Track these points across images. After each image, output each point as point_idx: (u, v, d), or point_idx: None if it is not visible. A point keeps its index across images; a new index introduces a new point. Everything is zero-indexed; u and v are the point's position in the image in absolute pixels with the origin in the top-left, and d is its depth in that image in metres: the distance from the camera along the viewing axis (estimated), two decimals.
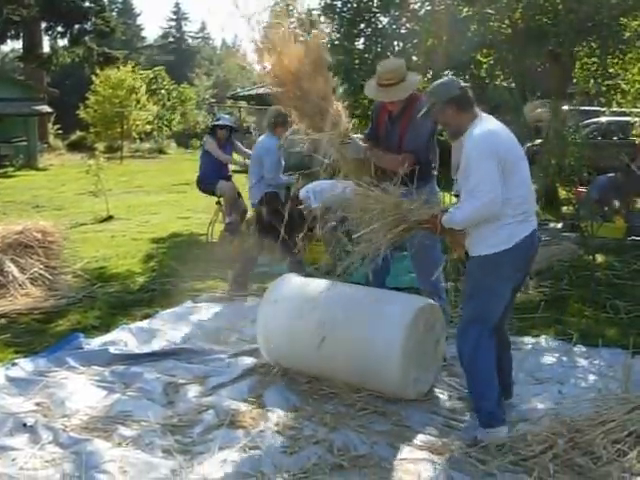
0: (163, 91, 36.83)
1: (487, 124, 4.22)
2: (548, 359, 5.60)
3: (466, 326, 4.28)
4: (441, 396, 4.89)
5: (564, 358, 5.63)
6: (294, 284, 5.24)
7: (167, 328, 6.19)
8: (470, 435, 4.26)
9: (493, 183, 4.01)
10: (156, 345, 5.80)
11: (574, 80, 14.68)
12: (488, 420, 4.22)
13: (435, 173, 5.59)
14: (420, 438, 4.23)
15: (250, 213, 9.66)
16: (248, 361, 5.39)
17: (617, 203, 11.47)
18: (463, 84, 4.39)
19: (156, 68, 36.58)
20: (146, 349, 5.70)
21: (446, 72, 13.62)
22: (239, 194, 9.49)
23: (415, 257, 5.44)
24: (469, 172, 4.08)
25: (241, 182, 9.78)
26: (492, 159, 4.03)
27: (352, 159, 5.20)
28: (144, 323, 6.37)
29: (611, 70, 13.88)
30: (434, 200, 5.17)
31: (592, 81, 14.25)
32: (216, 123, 9.56)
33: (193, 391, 4.90)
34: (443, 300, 5.42)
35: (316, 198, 9.02)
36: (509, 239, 4.14)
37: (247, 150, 10.12)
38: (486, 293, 4.22)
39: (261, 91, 30.05)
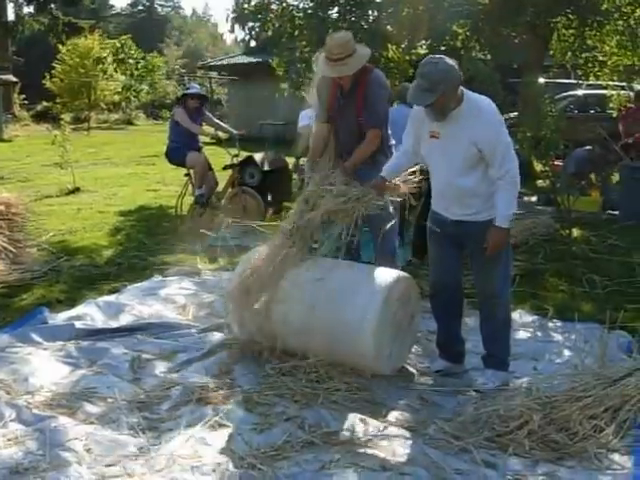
0: (131, 60, 36.35)
1: (474, 94, 4.43)
2: (523, 334, 5.61)
3: (501, 291, 4.63)
4: (415, 372, 4.87)
5: (539, 333, 5.66)
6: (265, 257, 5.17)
7: (135, 303, 6.11)
8: (496, 379, 4.60)
9: (512, 151, 4.37)
10: (123, 320, 5.73)
11: (551, 52, 14.69)
12: (506, 365, 4.74)
13: (392, 142, 5.56)
14: (394, 415, 4.21)
15: (222, 185, 9.60)
16: (218, 336, 5.34)
17: (594, 177, 11.55)
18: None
19: (123, 37, 36.02)
20: (113, 324, 5.63)
21: (421, 42, 13.59)
22: (210, 166, 9.39)
23: (373, 228, 5.45)
24: (495, 145, 4.29)
25: (211, 153, 9.69)
26: (505, 130, 4.36)
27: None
28: (111, 297, 6.28)
29: (589, 42, 13.91)
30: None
31: (569, 53, 14.26)
32: (187, 92, 9.43)
33: (161, 367, 4.84)
34: (398, 267, 5.41)
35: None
36: None
37: (218, 121, 10.02)
38: (507, 252, 4.59)
39: (233, 61, 29.78)
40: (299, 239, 4.82)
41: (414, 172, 5.05)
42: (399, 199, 5.12)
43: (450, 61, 4.29)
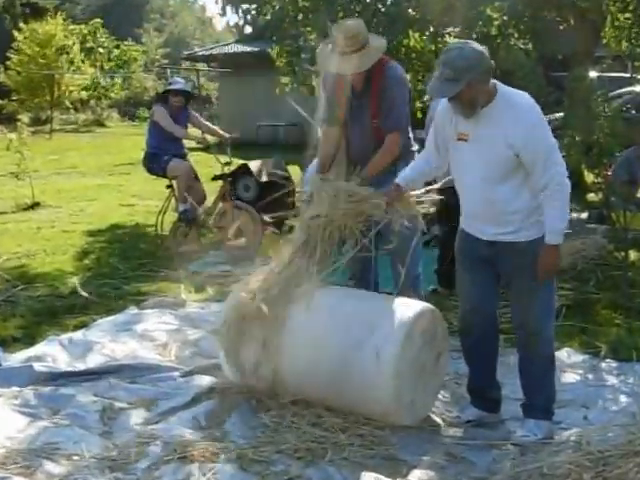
0: (101, 50, 36.56)
1: (510, 89, 4.47)
2: (570, 377, 5.62)
3: (544, 325, 4.62)
4: (442, 422, 4.89)
5: (590, 376, 5.65)
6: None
7: (106, 340, 6.13)
8: (539, 431, 4.60)
9: (558, 153, 4.40)
10: (92, 361, 5.75)
11: (604, 41, 14.73)
12: (550, 415, 4.74)
13: (414, 148, 5.61)
14: (416, 474, 4.20)
15: (210, 199, 9.65)
16: (205, 380, 5.35)
17: None
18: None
19: (92, 21, 36.26)
20: (79, 366, 5.65)
21: (449, 29, 13.64)
22: (196, 176, 9.44)
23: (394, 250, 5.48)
24: (535, 149, 4.31)
25: (198, 161, 9.74)
26: (548, 130, 4.40)
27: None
28: (77, 334, 6.31)
29: None
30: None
31: (625, 42, 14.29)
32: (169, 88, 9.49)
33: (137, 418, 4.84)
34: (421, 297, 5.44)
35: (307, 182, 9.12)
36: None
37: (206, 122, 10.08)
38: (551, 282, 4.59)
39: (224, 50, 29.97)
40: (309, 255, 4.84)
41: (432, 188, 5.08)
42: (416, 216, 5.10)
43: (479, 46, 4.33)
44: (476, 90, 4.29)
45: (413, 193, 4.98)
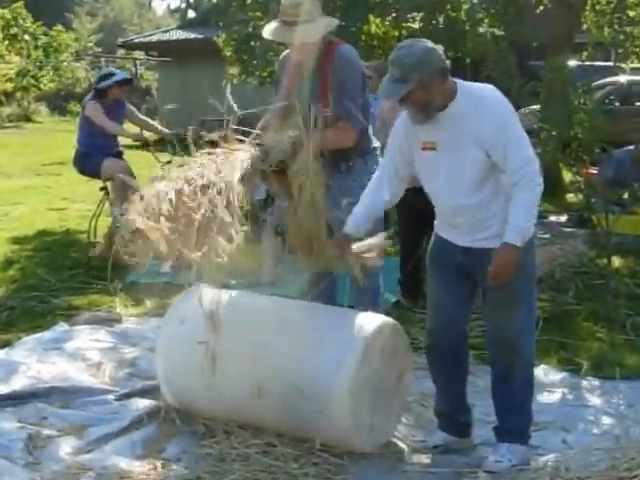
0: (27, 37, 36.26)
1: (479, 87, 4.50)
2: (549, 397, 5.66)
3: (522, 341, 4.61)
4: (406, 448, 4.90)
5: (570, 395, 5.70)
6: (207, 299, 5.18)
7: (32, 360, 6.08)
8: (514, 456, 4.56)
9: (530, 148, 4.41)
10: (16, 384, 5.68)
11: (584, 26, 14.87)
12: (526, 438, 4.73)
13: (375, 145, 5.58)
14: None
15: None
16: (143, 404, 5.32)
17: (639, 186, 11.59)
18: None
19: (15, 5, 35.94)
20: (2, 389, 5.58)
21: (414, 14, 13.71)
22: (133, 177, 9.39)
23: None
24: (504, 141, 4.31)
25: (135, 160, 9.68)
26: (518, 122, 4.43)
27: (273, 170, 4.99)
28: (0, 353, 6.25)
29: (632, 13, 14.08)
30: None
31: (607, 28, 14.44)
32: (117, 79, 9.34)
33: (67, 446, 4.80)
34: (380, 311, 5.41)
35: (261, 188, 9.14)
36: None
37: (145, 118, 10.02)
38: (530, 290, 4.66)
39: (165, 37, 29.90)
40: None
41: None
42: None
43: (430, 44, 4.35)
44: (429, 91, 4.30)
45: (361, 244, 4.77)
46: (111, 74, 9.69)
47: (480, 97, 4.38)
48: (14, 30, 35.60)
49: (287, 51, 5.52)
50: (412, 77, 4.22)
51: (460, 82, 4.44)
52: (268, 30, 5.34)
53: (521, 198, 4.30)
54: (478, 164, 4.35)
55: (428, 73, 4.26)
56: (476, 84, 4.52)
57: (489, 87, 4.48)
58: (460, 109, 4.36)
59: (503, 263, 4.33)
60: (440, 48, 4.39)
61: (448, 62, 4.39)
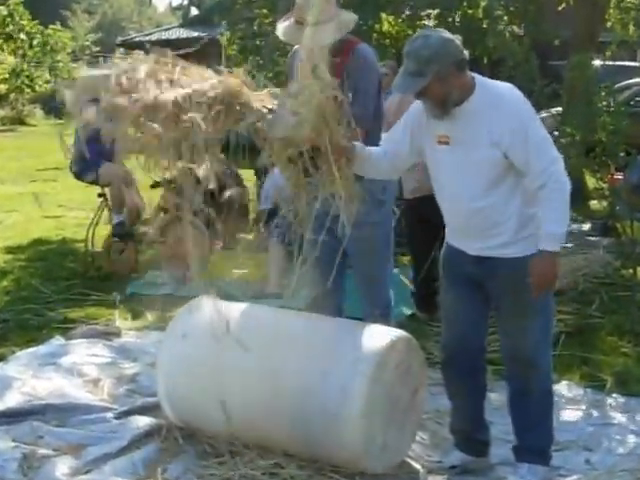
0: (23, 35, 36.35)
1: (498, 84, 4.49)
2: (571, 414, 5.65)
3: (540, 355, 4.62)
4: (420, 469, 4.89)
5: (594, 413, 5.68)
6: (210, 312, 5.19)
7: (27, 376, 6.08)
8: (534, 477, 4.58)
9: (553, 147, 4.39)
10: (10, 400, 5.69)
11: (608, 24, 14.85)
12: (547, 458, 4.72)
13: None
14: None
15: (150, 210, 9.60)
16: (144, 422, 5.32)
17: None
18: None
19: (11, 2, 36.03)
20: None
21: (429, 11, 13.72)
22: (133, 183, 9.39)
23: (356, 262, 5.47)
24: (525, 144, 4.29)
25: (134, 165, 9.66)
26: (538, 123, 4.41)
27: (277, 139, 4.98)
28: None
29: None
30: (376, 187, 5.23)
31: (632, 26, 14.42)
32: None
33: (63, 466, 4.80)
34: (392, 324, 5.41)
35: (267, 198, 9.21)
36: None
37: None
38: (547, 302, 4.60)
39: (166, 36, 29.97)
40: None
41: None
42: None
43: (447, 34, 4.35)
44: (446, 84, 4.28)
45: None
46: None
47: (499, 95, 4.37)
48: (9, 28, 35.67)
49: (296, 47, 5.51)
50: (429, 70, 4.20)
51: (479, 77, 4.43)
52: (281, 29, 5.33)
53: (553, 200, 4.28)
54: (493, 164, 4.33)
55: (445, 65, 4.23)
56: (496, 82, 4.52)
57: (508, 85, 4.48)
58: (477, 105, 4.34)
59: (543, 272, 4.33)
60: (458, 38, 4.38)
61: (466, 53, 4.37)
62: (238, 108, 4.49)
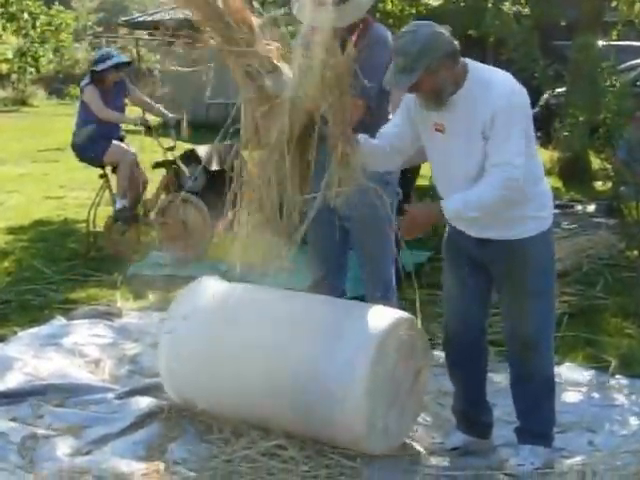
0: (26, 15, 36.26)
1: (491, 70, 4.44)
2: (573, 396, 5.65)
3: (541, 336, 4.60)
4: (422, 450, 4.89)
5: (596, 394, 5.69)
6: (212, 293, 5.20)
7: (28, 356, 6.09)
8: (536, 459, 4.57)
9: (522, 155, 4.24)
10: (11, 381, 5.70)
11: (614, 4, 14.80)
12: (549, 440, 4.71)
13: None
14: None
15: (152, 190, 9.59)
16: (145, 403, 5.34)
17: None
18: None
19: None
20: None
21: None
22: (137, 163, 9.37)
23: (357, 242, 5.46)
24: (497, 135, 4.22)
25: (136, 146, 9.65)
26: (522, 121, 4.30)
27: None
28: None
29: None
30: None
31: (639, 5, 14.37)
32: (106, 66, 9.27)
33: (64, 447, 4.80)
34: (395, 304, 5.40)
35: None
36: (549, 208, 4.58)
37: (148, 99, 9.97)
38: (549, 282, 4.62)
39: (169, 17, 29.83)
40: None
41: None
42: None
43: (435, 27, 4.30)
44: (438, 78, 4.25)
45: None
46: (108, 56, 9.61)
47: (488, 81, 4.31)
48: (12, 8, 35.57)
49: (305, 27, 5.46)
50: (419, 65, 4.17)
51: (471, 63, 4.39)
52: (297, 8, 5.29)
53: (489, 184, 4.24)
54: (485, 153, 4.30)
55: (435, 59, 4.20)
56: (491, 67, 4.47)
57: (502, 73, 4.42)
58: (470, 92, 4.30)
59: (416, 218, 4.38)
60: (447, 29, 4.34)
61: (457, 43, 4.32)
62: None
